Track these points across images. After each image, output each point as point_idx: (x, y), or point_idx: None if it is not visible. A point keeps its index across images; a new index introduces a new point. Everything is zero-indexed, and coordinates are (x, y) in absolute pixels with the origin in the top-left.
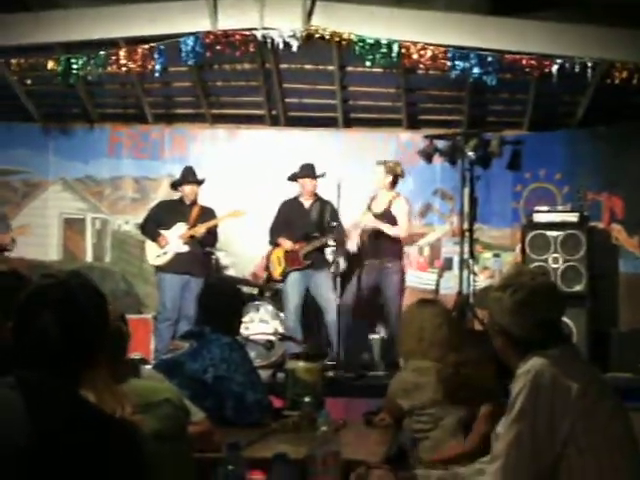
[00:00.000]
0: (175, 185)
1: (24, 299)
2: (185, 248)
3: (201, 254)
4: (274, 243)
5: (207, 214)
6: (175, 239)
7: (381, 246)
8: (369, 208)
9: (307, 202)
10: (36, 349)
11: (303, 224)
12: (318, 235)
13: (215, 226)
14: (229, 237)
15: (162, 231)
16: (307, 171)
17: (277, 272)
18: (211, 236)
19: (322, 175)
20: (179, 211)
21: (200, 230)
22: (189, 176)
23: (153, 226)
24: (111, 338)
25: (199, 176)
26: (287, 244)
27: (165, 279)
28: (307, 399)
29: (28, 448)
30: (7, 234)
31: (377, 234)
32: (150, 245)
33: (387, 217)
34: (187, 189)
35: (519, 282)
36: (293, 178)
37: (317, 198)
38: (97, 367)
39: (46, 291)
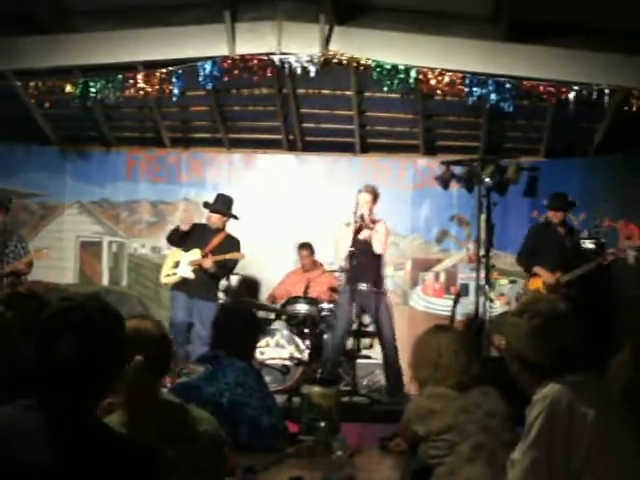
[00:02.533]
0: (206, 206)
1: (44, 322)
2: (191, 275)
3: (208, 281)
4: (529, 271)
5: (228, 245)
6: (185, 264)
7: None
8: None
9: (561, 229)
10: (55, 372)
11: (557, 252)
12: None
13: (224, 260)
14: (245, 261)
15: (180, 252)
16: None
17: None
18: (222, 270)
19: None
20: (201, 236)
21: (207, 263)
22: (218, 204)
23: (177, 242)
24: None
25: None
26: (545, 275)
27: (176, 296)
28: (322, 424)
29: (45, 470)
30: (24, 259)
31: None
32: (166, 263)
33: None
34: (213, 216)
35: (536, 308)
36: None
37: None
38: (117, 390)
39: (66, 314)
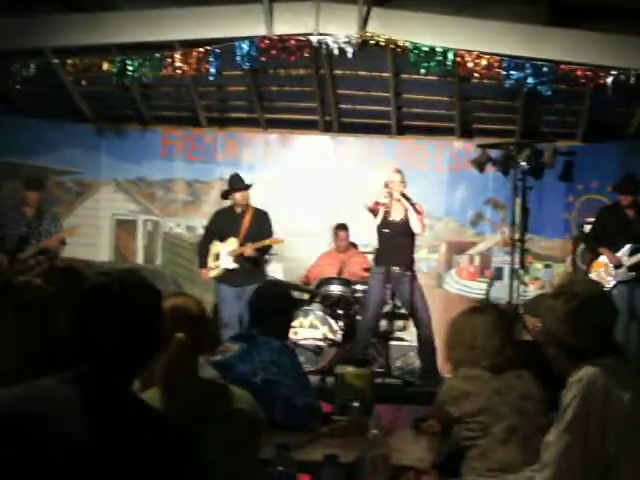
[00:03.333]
0: (225, 195)
1: (81, 296)
2: (234, 265)
3: (252, 266)
4: (595, 252)
5: (260, 222)
6: (225, 255)
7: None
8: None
9: (630, 212)
10: (93, 345)
11: (625, 234)
12: None
13: (263, 247)
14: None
15: (217, 243)
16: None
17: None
18: (263, 253)
19: None
20: (233, 221)
21: (248, 251)
22: (237, 183)
23: (204, 249)
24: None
25: (249, 180)
26: (610, 257)
27: (221, 289)
28: (356, 404)
29: (82, 442)
30: (56, 236)
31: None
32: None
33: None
34: (237, 196)
35: (573, 290)
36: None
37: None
38: (154, 363)
39: (103, 288)
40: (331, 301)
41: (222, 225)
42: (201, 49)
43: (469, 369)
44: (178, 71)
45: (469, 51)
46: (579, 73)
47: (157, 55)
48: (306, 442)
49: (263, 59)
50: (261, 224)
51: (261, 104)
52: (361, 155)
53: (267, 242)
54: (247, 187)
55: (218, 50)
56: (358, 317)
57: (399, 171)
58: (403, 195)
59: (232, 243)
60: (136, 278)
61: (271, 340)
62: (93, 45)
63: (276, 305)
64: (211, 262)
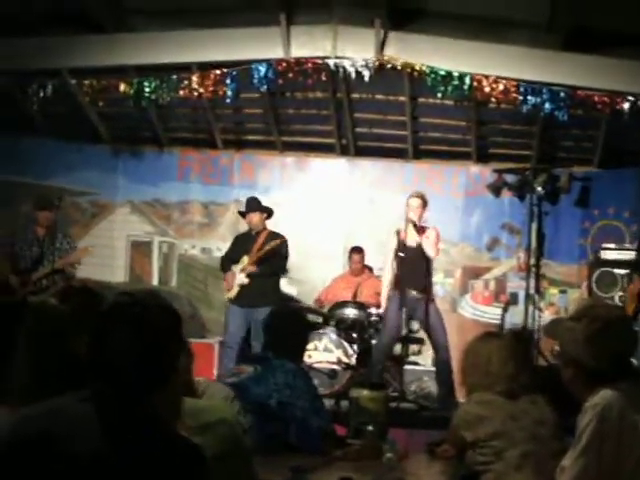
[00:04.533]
0: (242, 214)
1: (102, 315)
2: (246, 280)
3: (266, 284)
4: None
5: (272, 240)
6: (238, 273)
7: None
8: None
9: None
10: (112, 365)
11: None
12: None
13: (271, 252)
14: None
15: (233, 266)
16: None
17: (630, 308)
18: (272, 266)
19: None
20: (247, 243)
21: (253, 260)
22: (253, 205)
23: (228, 265)
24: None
25: (268, 203)
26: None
27: (231, 311)
28: (370, 428)
29: (99, 461)
30: (70, 257)
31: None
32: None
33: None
34: (253, 218)
35: (594, 313)
36: None
37: None
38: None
39: (124, 309)
40: (345, 325)
41: (238, 248)
42: (218, 71)
43: (483, 394)
44: (195, 93)
45: (486, 76)
46: (596, 99)
47: (174, 77)
48: (320, 465)
49: (280, 82)
50: (280, 244)
51: (278, 127)
52: (377, 179)
53: (268, 247)
54: (262, 209)
55: (235, 72)
56: (373, 341)
57: (418, 195)
58: (413, 222)
59: (244, 261)
60: (156, 300)
61: (286, 363)
62: (110, 66)
63: (291, 328)
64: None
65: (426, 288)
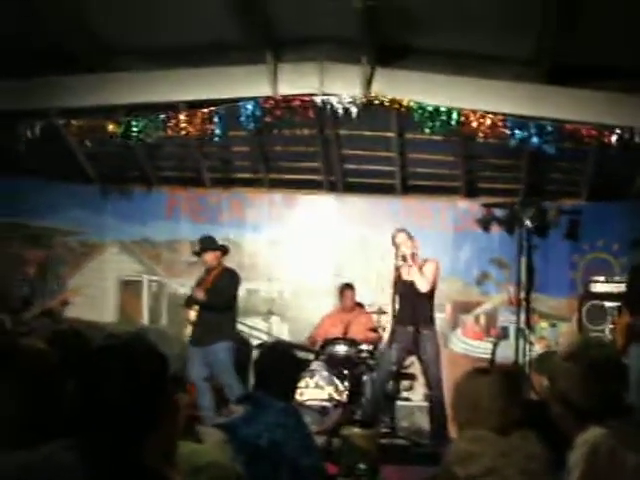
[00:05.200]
0: (197, 253)
1: (87, 361)
2: (193, 315)
3: (212, 320)
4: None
5: (225, 277)
6: (190, 311)
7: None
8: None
9: None
10: (98, 411)
11: None
12: None
13: (208, 288)
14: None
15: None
16: None
17: (619, 342)
18: (218, 297)
19: None
20: (202, 279)
21: (199, 294)
22: (207, 243)
23: (190, 303)
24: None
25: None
26: (624, 317)
27: (189, 351)
28: (362, 466)
29: None
30: (59, 298)
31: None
32: None
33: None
34: (206, 257)
35: (588, 355)
36: None
37: None
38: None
39: (110, 354)
40: (336, 361)
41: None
42: (206, 110)
43: (474, 430)
44: (183, 132)
45: (473, 111)
46: (583, 132)
47: (162, 116)
48: None
49: (267, 119)
50: (227, 279)
51: (266, 164)
52: (366, 215)
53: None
54: (215, 247)
55: (223, 111)
56: (364, 377)
57: (401, 230)
58: (403, 257)
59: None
60: (142, 342)
61: (276, 402)
62: (98, 106)
63: (281, 366)
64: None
65: (424, 322)
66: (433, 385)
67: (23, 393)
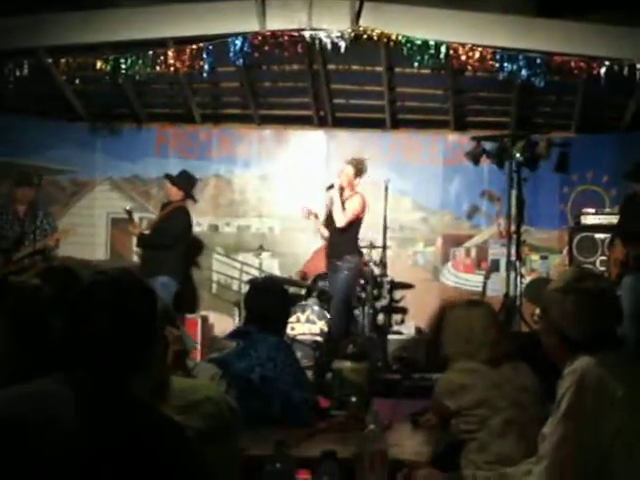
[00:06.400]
0: (168, 177)
1: (76, 296)
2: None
3: (152, 257)
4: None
5: (176, 215)
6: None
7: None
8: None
9: None
10: (88, 346)
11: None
12: None
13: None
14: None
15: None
16: None
17: (613, 274)
18: (153, 235)
19: None
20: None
21: (137, 229)
22: (177, 179)
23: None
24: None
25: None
26: (618, 249)
27: None
28: (354, 399)
29: (77, 443)
30: (52, 237)
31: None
32: None
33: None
34: (169, 190)
35: (582, 287)
36: None
37: None
38: (149, 365)
39: (98, 288)
40: (327, 296)
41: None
42: (194, 46)
43: (465, 362)
44: (172, 68)
45: (462, 44)
46: (572, 64)
47: (150, 53)
48: (304, 438)
49: (256, 55)
50: (177, 217)
51: (255, 100)
52: (355, 149)
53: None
54: (179, 185)
55: (211, 47)
56: (356, 311)
57: (351, 162)
58: (341, 188)
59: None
60: (131, 277)
61: (268, 336)
62: (86, 44)
63: (272, 301)
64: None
65: (347, 256)
66: (333, 316)
67: (16, 329)
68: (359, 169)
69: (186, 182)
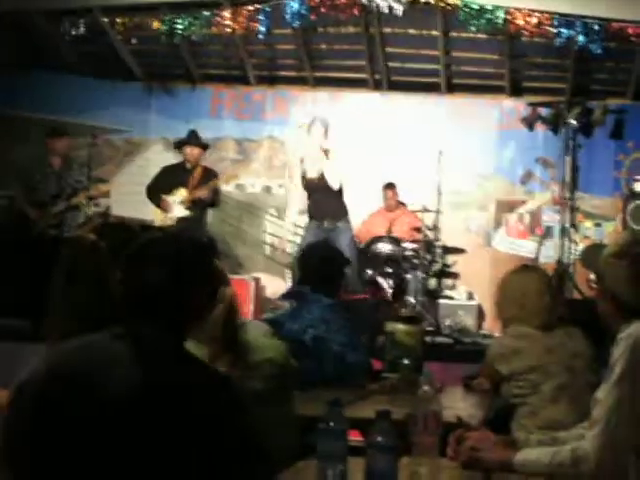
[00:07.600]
0: (178, 146)
1: (135, 251)
2: (186, 213)
3: (203, 218)
4: None
5: (209, 175)
6: (177, 205)
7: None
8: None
9: None
10: (145, 301)
11: None
12: None
13: (216, 187)
14: None
15: (164, 196)
16: None
17: None
18: (214, 197)
19: None
20: (179, 175)
21: (202, 192)
22: (193, 139)
23: (156, 191)
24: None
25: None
26: None
27: None
28: (406, 361)
29: (131, 395)
30: (86, 192)
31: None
32: (155, 214)
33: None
34: (188, 151)
35: (636, 252)
36: None
37: None
38: (204, 321)
39: (157, 244)
40: (380, 259)
41: (169, 178)
42: (251, 7)
43: (519, 327)
44: (227, 29)
45: (519, 9)
46: (630, 31)
47: (206, 13)
48: (357, 399)
49: (313, 17)
50: (211, 178)
51: (310, 62)
52: (410, 113)
53: (223, 180)
54: (202, 145)
55: (268, 8)
56: (408, 275)
57: (320, 121)
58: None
59: (182, 192)
60: (190, 236)
61: (322, 298)
62: (142, 3)
63: (326, 262)
64: (162, 218)
65: (337, 216)
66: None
67: (75, 284)
68: (326, 128)
69: (200, 140)
